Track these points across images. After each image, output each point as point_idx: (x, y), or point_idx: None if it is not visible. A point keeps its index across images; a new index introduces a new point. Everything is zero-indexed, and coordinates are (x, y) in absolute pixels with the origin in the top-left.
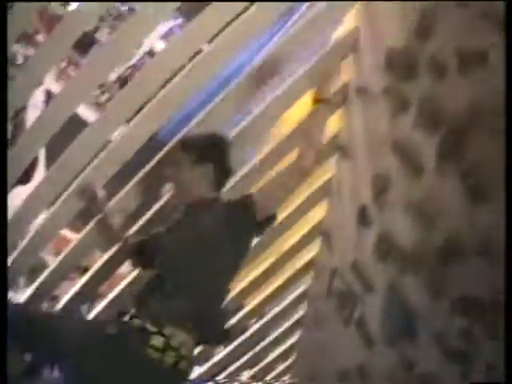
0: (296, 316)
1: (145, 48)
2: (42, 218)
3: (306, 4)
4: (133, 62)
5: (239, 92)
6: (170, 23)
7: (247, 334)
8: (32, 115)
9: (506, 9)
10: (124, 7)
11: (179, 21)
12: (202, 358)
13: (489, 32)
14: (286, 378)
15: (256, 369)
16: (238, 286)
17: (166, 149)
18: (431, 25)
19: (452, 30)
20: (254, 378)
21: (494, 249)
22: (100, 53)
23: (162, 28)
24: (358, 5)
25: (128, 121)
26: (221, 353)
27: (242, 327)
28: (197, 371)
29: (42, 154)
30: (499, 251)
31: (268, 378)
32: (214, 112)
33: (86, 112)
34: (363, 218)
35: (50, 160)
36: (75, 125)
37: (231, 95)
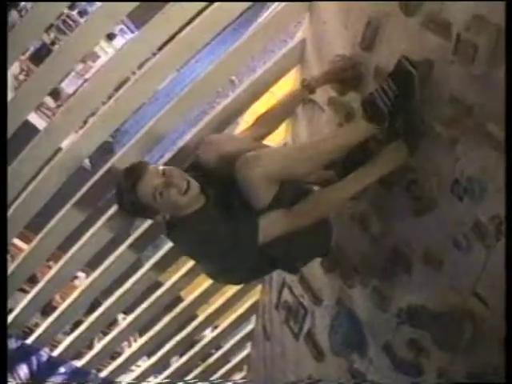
0: (247, 329)
1: (102, 60)
2: None
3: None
4: (90, 74)
5: (187, 101)
6: (128, 36)
7: (199, 345)
8: None
9: (506, 9)
10: (82, 19)
11: (137, 33)
12: (158, 370)
13: (434, 41)
14: None
15: (208, 381)
16: (190, 296)
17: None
18: (376, 35)
19: (397, 40)
20: None
21: (439, 257)
22: (50, 60)
23: (121, 40)
24: (305, 17)
25: (78, 129)
26: (174, 365)
27: (194, 338)
28: (152, 382)
29: None
30: (444, 259)
31: None
32: (165, 118)
33: (43, 124)
34: None
35: None
36: (27, 132)
37: (180, 104)
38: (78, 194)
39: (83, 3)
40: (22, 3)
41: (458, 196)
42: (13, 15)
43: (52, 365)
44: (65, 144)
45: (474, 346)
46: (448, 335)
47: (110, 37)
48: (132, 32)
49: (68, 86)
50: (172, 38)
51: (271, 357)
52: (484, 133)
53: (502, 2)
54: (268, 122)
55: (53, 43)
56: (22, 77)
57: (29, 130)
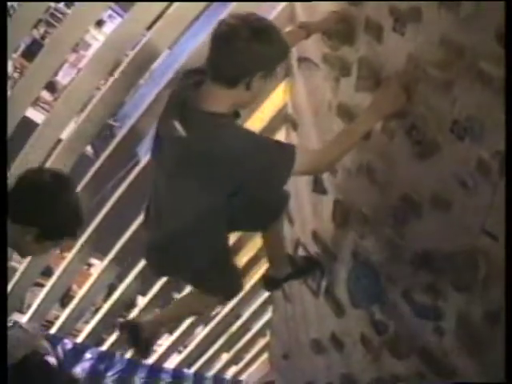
0: (266, 293)
1: (94, 48)
2: None
3: None
4: (83, 63)
5: None
6: (118, 20)
7: (220, 315)
8: None
9: (505, 9)
10: (70, 10)
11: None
12: (180, 345)
13: None
14: (263, 357)
15: (233, 351)
16: None
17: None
18: None
19: None
20: (231, 360)
21: (447, 198)
22: (42, 53)
23: (111, 26)
24: None
25: (76, 117)
26: (197, 337)
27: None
28: (176, 358)
29: None
30: (452, 200)
31: (245, 359)
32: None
33: (39, 116)
34: (318, 186)
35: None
36: (28, 129)
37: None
38: (84, 181)
39: None
40: (9, 3)
41: (459, 136)
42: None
43: (77, 351)
44: (65, 135)
45: (489, 282)
46: (463, 275)
47: (100, 23)
48: (121, 16)
49: (63, 78)
50: (160, 16)
51: (293, 318)
52: (477, 72)
53: (502, 1)
54: None
55: (43, 37)
56: (16, 75)
57: (28, 126)
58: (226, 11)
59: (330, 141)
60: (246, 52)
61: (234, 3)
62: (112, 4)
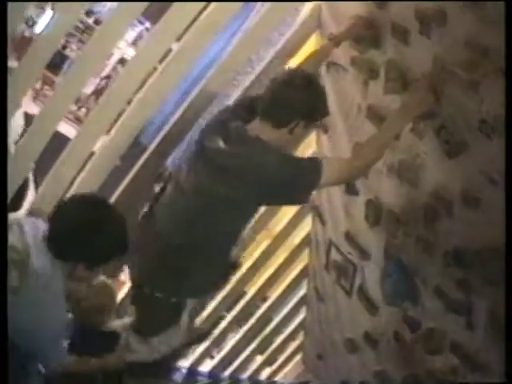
0: (299, 294)
1: (116, 57)
2: None
3: None
4: (106, 72)
5: (213, 85)
6: (138, 28)
7: (254, 318)
8: (13, 140)
9: (505, 9)
10: (90, 19)
11: (147, 25)
12: (214, 350)
13: None
14: (297, 358)
15: (267, 353)
16: (237, 274)
17: (148, 151)
18: None
19: None
20: (265, 362)
21: (476, 196)
22: (73, 68)
23: (132, 34)
24: None
25: (108, 130)
26: (231, 340)
27: (247, 313)
28: (211, 363)
29: (30, 179)
30: (481, 198)
31: (279, 361)
32: (191, 108)
33: (65, 128)
34: (350, 187)
35: (39, 181)
36: (57, 142)
37: (206, 90)
38: (116, 193)
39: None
40: (29, 14)
41: (487, 135)
42: (21, 26)
43: None
44: (97, 147)
45: None
46: (492, 270)
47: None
48: (142, 24)
49: (86, 87)
50: (189, 26)
51: (326, 318)
52: (503, 72)
53: (502, 1)
54: None
55: (64, 47)
56: (38, 85)
57: (53, 137)
58: (245, 16)
59: (361, 146)
60: (298, 100)
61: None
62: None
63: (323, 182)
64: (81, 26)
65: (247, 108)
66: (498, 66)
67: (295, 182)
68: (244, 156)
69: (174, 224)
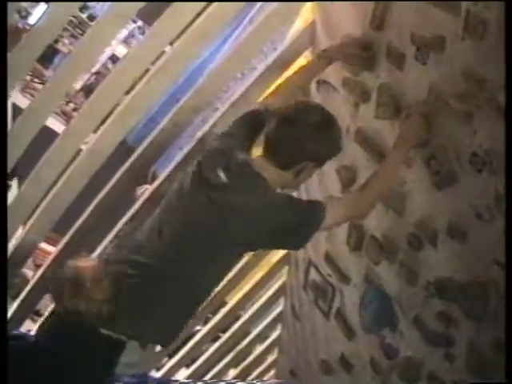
0: (276, 311)
1: (107, 54)
2: (19, 234)
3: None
4: (96, 68)
5: (204, 91)
6: (130, 26)
7: (229, 332)
8: None
9: (505, 9)
10: (84, 14)
11: (139, 23)
12: (188, 360)
13: (444, 18)
14: (270, 374)
15: (240, 367)
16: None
17: (136, 153)
18: (385, 14)
19: (406, 19)
20: (238, 377)
21: (463, 228)
22: (65, 64)
23: (124, 32)
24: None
25: (96, 129)
26: (206, 353)
27: (224, 325)
28: (184, 373)
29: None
30: (468, 230)
31: (252, 375)
32: (180, 112)
33: (51, 121)
34: None
35: (23, 175)
36: (43, 136)
37: (197, 94)
38: (101, 194)
39: None
40: (22, 4)
41: (477, 169)
42: (14, 16)
43: None
44: (84, 146)
45: (500, 312)
46: (475, 304)
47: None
48: (134, 22)
49: (78, 85)
50: (183, 31)
51: (302, 337)
52: (498, 105)
53: (502, 1)
54: (284, 94)
55: (56, 41)
56: (28, 77)
57: (41, 132)
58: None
59: (365, 185)
60: (306, 143)
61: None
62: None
63: (325, 226)
64: (74, 20)
65: (251, 136)
66: (492, 97)
67: (295, 227)
68: (244, 192)
69: (158, 248)
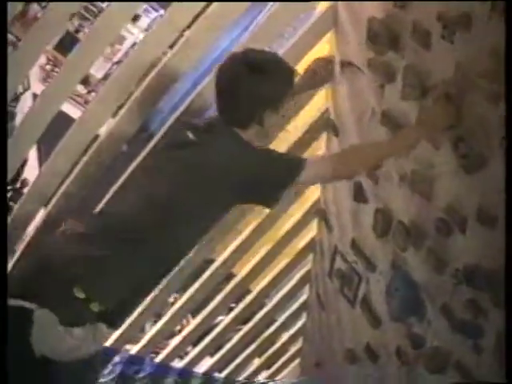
0: (300, 300)
1: (129, 42)
2: (39, 217)
3: None
4: (118, 57)
5: None
6: (153, 15)
7: (253, 321)
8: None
9: (505, 9)
10: (104, 3)
11: (161, 12)
12: (212, 348)
13: None
14: (294, 363)
15: (265, 356)
16: (242, 271)
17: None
18: None
19: None
20: (263, 365)
21: (493, 214)
22: (78, 48)
23: (146, 20)
24: None
25: (114, 114)
26: (230, 341)
27: (248, 314)
28: (208, 362)
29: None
30: (498, 216)
31: (277, 364)
32: (200, 97)
33: (75, 111)
34: (359, 194)
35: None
36: (65, 124)
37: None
38: (121, 179)
39: None
40: None
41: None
42: (34, 7)
43: (105, 355)
44: (102, 131)
45: None
46: (505, 294)
47: (135, 18)
48: (156, 11)
49: (97, 71)
50: (199, 15)
51: (327, 326)
52: None
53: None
54: None
55: (77, 31)
56: (48, 67)
57: (62, 120)
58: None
59: (357, 147)
60: (246, 95)
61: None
62: None
63: (303, 181)
64: (94, 10)
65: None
66: None
67: (269, 181)
68: (214, 148)
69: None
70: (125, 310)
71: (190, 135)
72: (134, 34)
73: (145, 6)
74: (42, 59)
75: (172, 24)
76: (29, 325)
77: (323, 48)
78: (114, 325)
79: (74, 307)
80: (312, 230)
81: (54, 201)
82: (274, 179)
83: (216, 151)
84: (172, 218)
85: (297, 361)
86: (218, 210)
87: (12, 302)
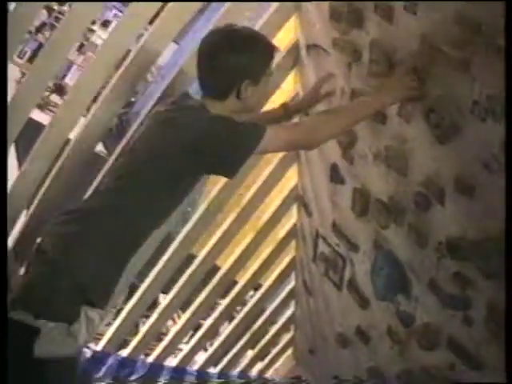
0: (288, 288)
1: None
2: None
3: None
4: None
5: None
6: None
7: (243, 312)
8: None
9: (505, 9)
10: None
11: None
12: (204, 344)
13: None
14: (288, 353)
15: (258, 348)
16: (226, 263)
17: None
18: None
19: None
20: (257, 357)
21: (470, 183)
22: (43, 53)
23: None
24: None
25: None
26: (222, 334)
27: (239, 303)
28: (202, 356)
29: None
30: (476, 185)
31: (270, 355)
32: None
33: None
34: (335, 176)
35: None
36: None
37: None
38: (96, 181)
39: None
40: None
41: (480, 117)
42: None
43: (97, 360)
44: (73, 135)
45: None
46: (491, 262)
47: (106, 24)
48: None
49: (71, 80)
50: (162, 9)
51: (316, 312)
52: (496, 49)
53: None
54: None
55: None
56: (23, 80)
57: (40, 130)
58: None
59: (317, 115)
60: (225, 66)
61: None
62: (117, 4)
63: (263, 150)
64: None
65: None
66: (490, 42)
67: (227, 149)
68: (181, 119)
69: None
70: (104, 285)
71: (162, 109)
72: (103, 38)
73: (114, 11)
74: (17, 73)
75: (135, 21)
76: (34, 341)
77: (289, 33)
78: (98, 304)
79: (67, 300)
80: (292, 217)
81: (30, 210)
82: (233, 149)
83: (180, 123)
84: (142, 187)
85: (290, 350)
86: (186, 181)
87: (15, 315)
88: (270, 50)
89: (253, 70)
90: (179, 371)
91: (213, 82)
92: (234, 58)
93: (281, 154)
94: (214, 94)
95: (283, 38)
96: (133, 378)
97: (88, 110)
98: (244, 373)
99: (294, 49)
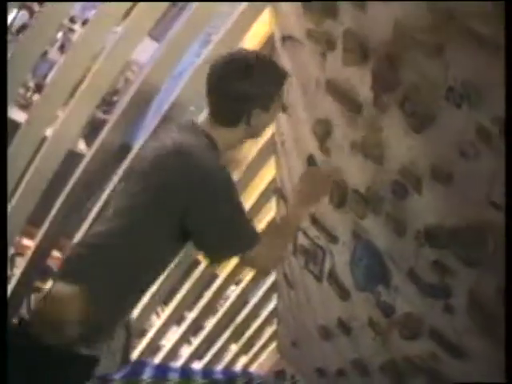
0: (269, 281)
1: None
2: None
3: None
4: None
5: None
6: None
7: (226, 306)
8: None
9: (505, 9)
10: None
11: None
12: (187, 339)
13: None
14: (272, 346)
15: (242, 342)
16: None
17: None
18: None
19: None
20: (241, 351)
21: (447, 171)
22: (15, 51)
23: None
24: None
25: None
26: (206, 328)
27: (220, 296)
28: (187, 351)
29: None
30: (453, 172)
31: (254, 349)
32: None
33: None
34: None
35: None
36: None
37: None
38: (73, 178)
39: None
40: None
41: (455, 103)
42: None
43: None
44: (49, 132)
45: (500, 257)
46: (471, 250)
47: (85, 23)
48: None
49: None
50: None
51: (297, 305)
52: (469, 33)
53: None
54: None
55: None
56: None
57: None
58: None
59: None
60: (237, 94)
61: None
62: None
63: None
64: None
65: None
66: (463, 26)
67: (225, 241)
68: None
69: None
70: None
71: (164, 152)
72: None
73: (94, 11)
74: None
75: (108, 17)
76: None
77: (263, 25)
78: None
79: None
80: (272, 210)
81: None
82: (230, 243)
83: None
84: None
85: (274, 344)
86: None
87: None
88: (282, 77)
89: (264, 98)
90: (162, 369)
91: (224, 110)
92: (246, 86)
93: (259, 147)
94: (224, 122)
95: (258, 31)
96: (116, 376)
97: (64, 106)
98: (228, 368)
99: (269, 41)
